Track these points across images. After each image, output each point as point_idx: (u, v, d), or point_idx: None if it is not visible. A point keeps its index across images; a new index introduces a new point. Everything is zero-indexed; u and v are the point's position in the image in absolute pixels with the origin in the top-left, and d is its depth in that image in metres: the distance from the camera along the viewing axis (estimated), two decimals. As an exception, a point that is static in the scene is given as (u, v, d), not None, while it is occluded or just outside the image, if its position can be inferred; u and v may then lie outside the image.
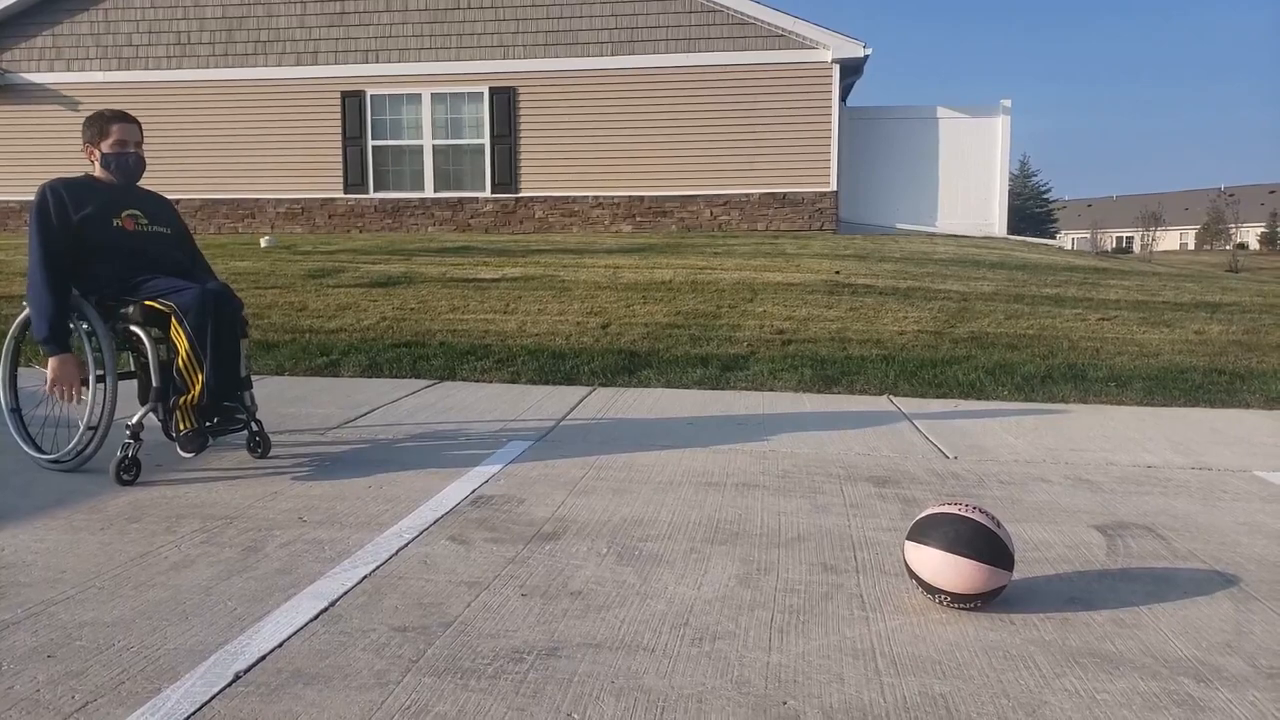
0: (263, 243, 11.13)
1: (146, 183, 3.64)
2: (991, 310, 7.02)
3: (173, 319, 3.27)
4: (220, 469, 3.41)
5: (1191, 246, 68.54)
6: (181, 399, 3.27)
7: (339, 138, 14.01)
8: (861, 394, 5.10)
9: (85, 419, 3.28)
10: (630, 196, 13.52)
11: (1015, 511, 2.98)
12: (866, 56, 12.87)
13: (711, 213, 13.44)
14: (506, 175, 13.75)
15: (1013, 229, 15.89)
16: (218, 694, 1.77)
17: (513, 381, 5.30)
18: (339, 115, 13.96)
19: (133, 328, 3.33)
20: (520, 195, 13.79)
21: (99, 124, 3.46)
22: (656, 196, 13.44)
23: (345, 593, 2.26)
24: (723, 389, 5.22)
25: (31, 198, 3.35)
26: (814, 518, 2.91)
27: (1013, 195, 24.16)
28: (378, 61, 13.80)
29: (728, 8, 12.96)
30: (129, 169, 3.50)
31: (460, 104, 13.79)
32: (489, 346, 5.99)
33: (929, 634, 2.07)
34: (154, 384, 3.29)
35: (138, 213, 3.51)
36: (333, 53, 13.86)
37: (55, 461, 3.37)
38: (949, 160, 14.29)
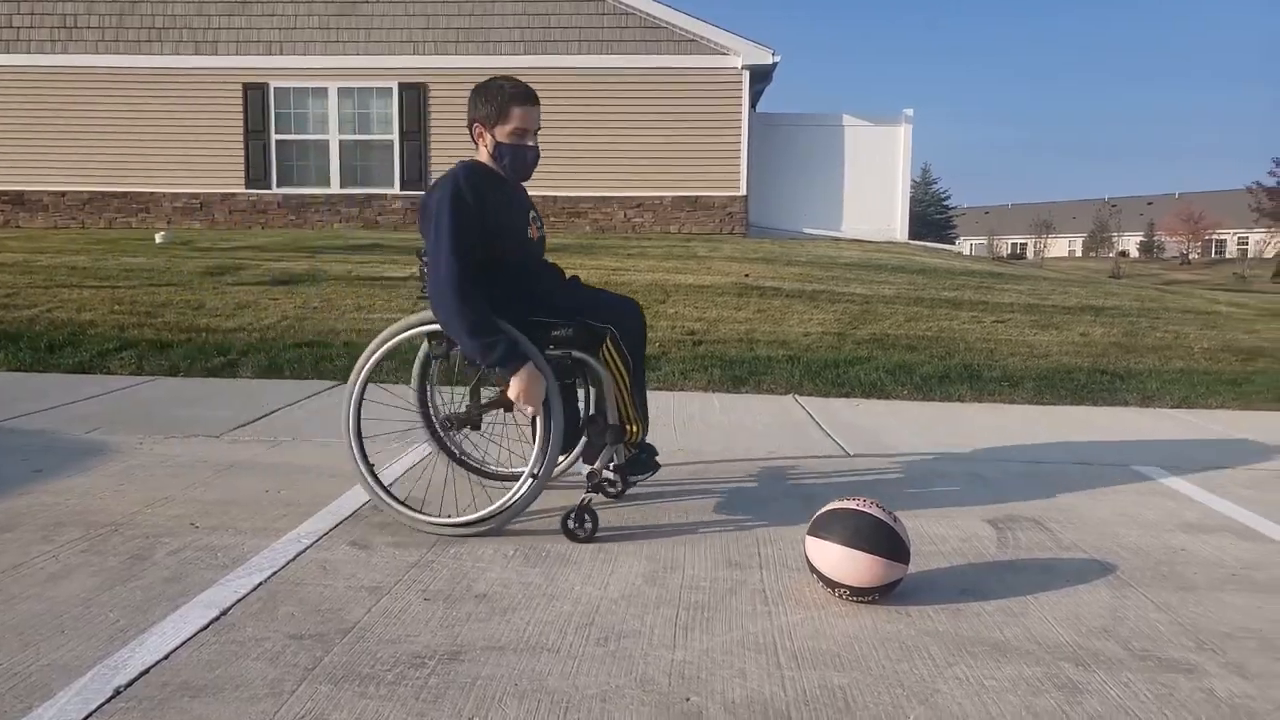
0: (158, 238, 10.65)
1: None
2: (893, 313, 7.23)
3: (607, 341, 2.75)
4: (107, 474, 3.25)
5: (1079, 253, 72.06)
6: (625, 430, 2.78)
7: (241, 131, 13.53)
8: (768, 393, 5.19)
9: (532, 460, 2.68)
10: (545, 196, 13.44)
11: (912, 506, 3.08)
12: (775, 64, 13.11)
13: (625, 215, 13.48)
14: (417, 172, 13.50)
15: (914, 235, 16.43)
16: (95, 710, 1.68)
17: (420, 382, 5.19)
18: (240, 108, 13.47)
19: (576, 354, 2.73)
20: (430, 193, 13.55)
21: (497, 101, 2.71)
22: (570, 197, 13.40)
23: (238, 600, 2.18)
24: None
25: None
26: (719, 515, 2.94)
27: (915, 202, 24.95)
28: (281, 54, 13.38)
29: (640, 11, 13.02)
30: (525, 167, 2.80)
31: (369, 99, 13.49)
32: (396, 346, 5.86)
33: (829, 627, 2.12)
34: (611, 421, 2.73)
35: (536, 215, 2.95)
36: (234, 43, 13.37)
37: (467, 524, 2.68)
38: (854, 167, 14.68)
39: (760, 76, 13.62)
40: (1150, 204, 76.46)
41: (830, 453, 3.85)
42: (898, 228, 14.79)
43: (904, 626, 2.13)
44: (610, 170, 13.37)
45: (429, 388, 3.16)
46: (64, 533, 2.62)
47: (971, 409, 4.87)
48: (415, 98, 13.36)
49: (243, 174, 13.63)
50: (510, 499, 2.67)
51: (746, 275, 8.69)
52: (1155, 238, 65.52)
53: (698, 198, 13.39)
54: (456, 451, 3.20)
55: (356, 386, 2.83)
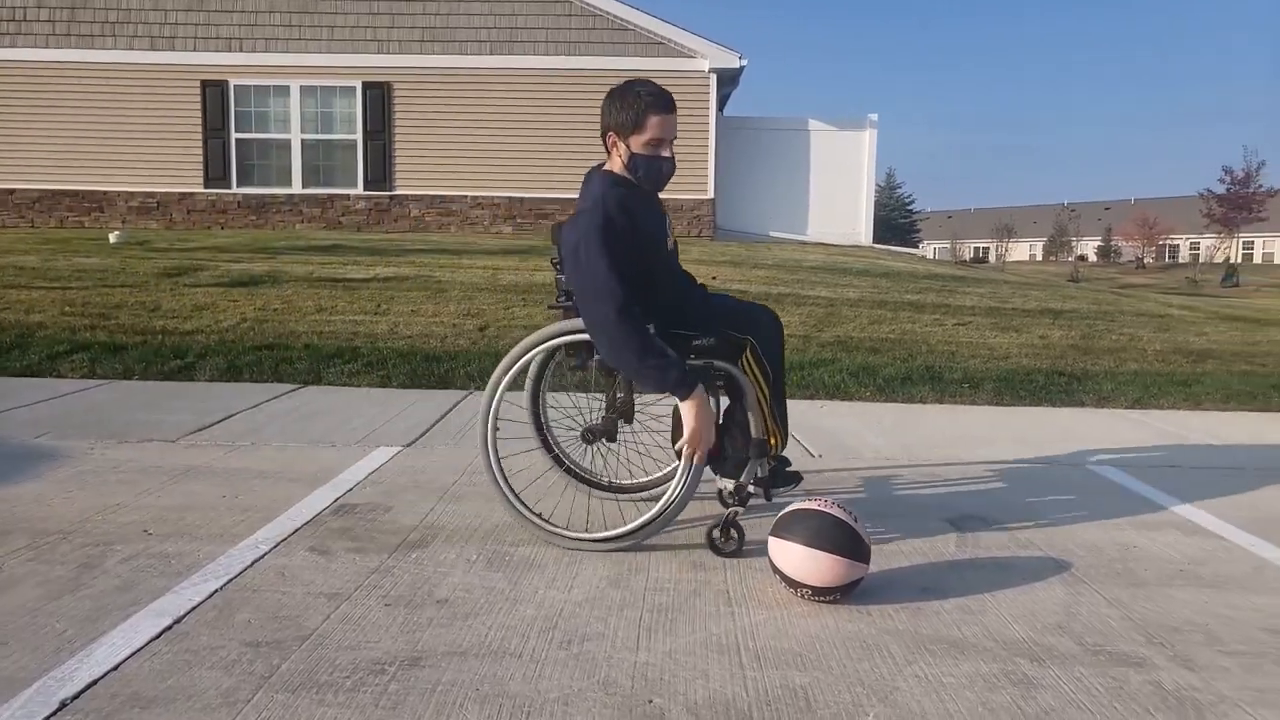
0: (112, 238, 10.44)
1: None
2: (857, 315, 7.30)
3: (746, 352, 2.66)
4: (56, 480, 3.17)
5: (1039, 257, 73.30)
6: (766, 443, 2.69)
7: (199, 129, 13.32)
8: (734, 396, 5.20)
9: (679, 473, 2.58)
10: (511, 198, 13.39)
11: (875, 506, 3.10)
12: (742, 67, 13.19)
13: (590, 216, 13.45)
14: (380, 172, 13.38)
15: (879, 238, 16.60)
16: (44, 722, 1.64)
17: (383, 385, 5.15)
18: (199, 105, 13.27)
19: (718, 365, 2.65)
20: (395, 193, 13.45)
21: (634, 109, 2.58)
22: (538, 199, 13.36)
23: (193, 609, 2.14)
24: (601, 392, 5.22)
25: None
26: (685, 518, 2.94)
27: (879, 206, 25.21)
28: (242, 50, 13.19)
29: (607, 13, 13.02)
30: (660, 179, 2.69)
31: (331, 98, 13.35)
32: (358, 349, 5.80)
33: (791, 627, 2.13)
34: (754, 435, 2.63)
35: (670, 222, 2.89)
36: (192, 39, 13.16)
37: (612, 539, 2.61)
38: (819, 171, 14.80)
39: (727, 80, 13.68)
40: (1108, 209, 78.04)
41: (795, 454, 3.86)
42: (862, 231, 14.94)
43: (865, 625, 2.15)
44: (578, 171, 13.32)
45: (541, 399, 3.10)
46: (9, 541, 2.55)
47: (933, 410, 4.93)
48: (379, 97, 13.24)
49: (201, 173, 13.42)
50: (659, 511, 2.59)
51: (714, 278, 8.73)
52: (1112, 242, 66.84)
53: (666, 200, 13.39)
54: (572, 464, 3.15)
55: (495, 400, 2.73)
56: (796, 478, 2.85)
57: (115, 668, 1.85)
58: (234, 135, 13.35)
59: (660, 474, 3.15)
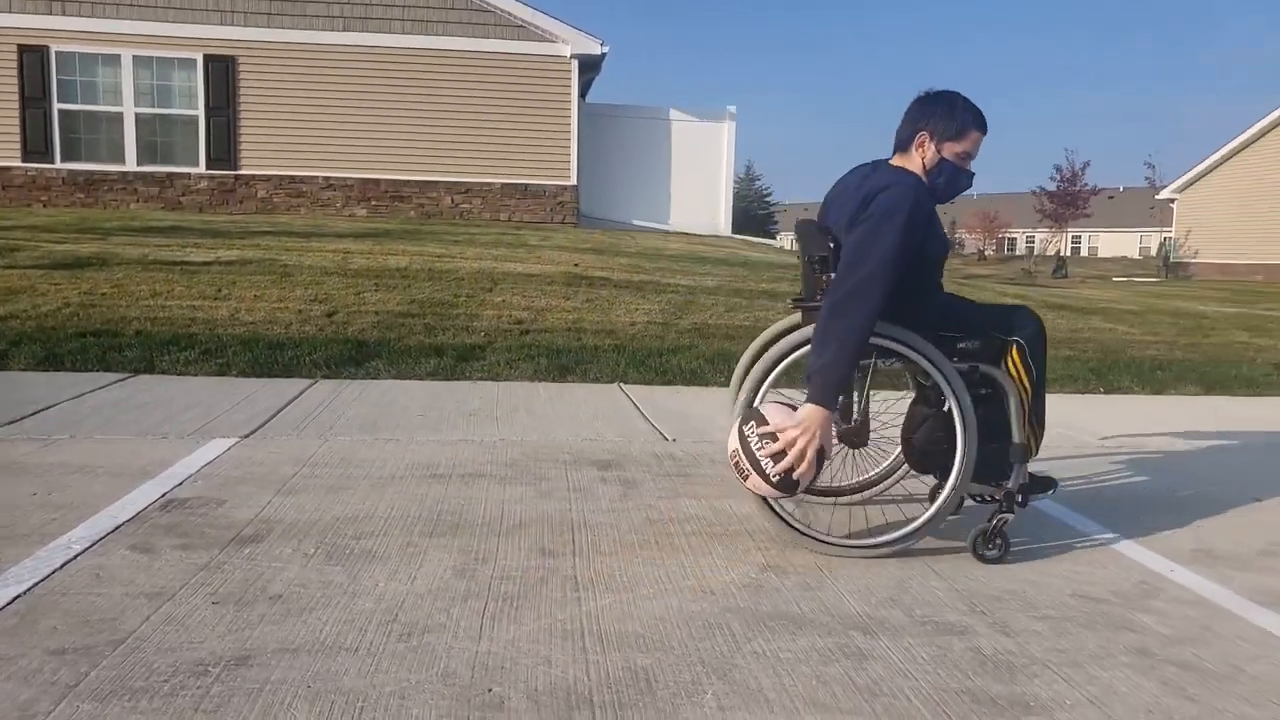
0: (-88, 215, 9.44)
1: None
2: (714, 303, 7.44)
3: (1013, 352, 2.59)
4: None
5: (891, 249, 76.92)
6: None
7: (16, 98, 12.21)
8: (594, 382, 5.22)
9: (952, 478, 2.53)
10: (365, 179, 12.94)
11: (723, 489, 3.17)
12: (604, 54, 13.18)
13: (453, 200, 13.18)
14: (225, 150, 12.66)
15: (738, 229, 16.99)
16: None
17: (222, 374, 4.88)
18: (15, 72, 12.16)
19: (983, 368, 2.59)
20: (241, 173, 12.75)
21: (959, 119, 2.57)
22: (394, 180, 12.96)
23: (-10, 616, 1.96)
24: (457, 379, 5.12)
25: None
26: (537, 504, 2.92)
27: (738, 197, 25.81)
28: (64, 14, 12.17)
29: (466, -7, 12.74)
30: (956, 190, 2.65)
31: (169, 70, 12.50)
32: (195, 336, 5.47)
33: (636, 609, 2.15)
34: (1015, 439, 2.56)
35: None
36: (6, -1, 12.04)
37: (883, 544, 2.56)
38: (680, 161, 14.99)
39: (589, 66, 13.64)
40: (953, 203, 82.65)
41: (650, 438, 3.91)
42: (722, 222, 15.24)
43: (708, 605, 2.19)
44: (437, 154, 13.03)
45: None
46: None
47: (785, 393, 5.08)
48: (223, 71, 12.50)
49: (19, 146, 12.32)
50: (932, 512, 2.55)
51: (576, 265, 8.70)
52: (957, 235, 70.89)
53: (528, 185, 13.28)
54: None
55: (760, 397, 2.64)
56: (1051, 483, 2.74)
57: (-109, 686, 1.67)
58: (57, 106, 12.31)
59: (871, 474, 3.11)
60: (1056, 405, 5.01)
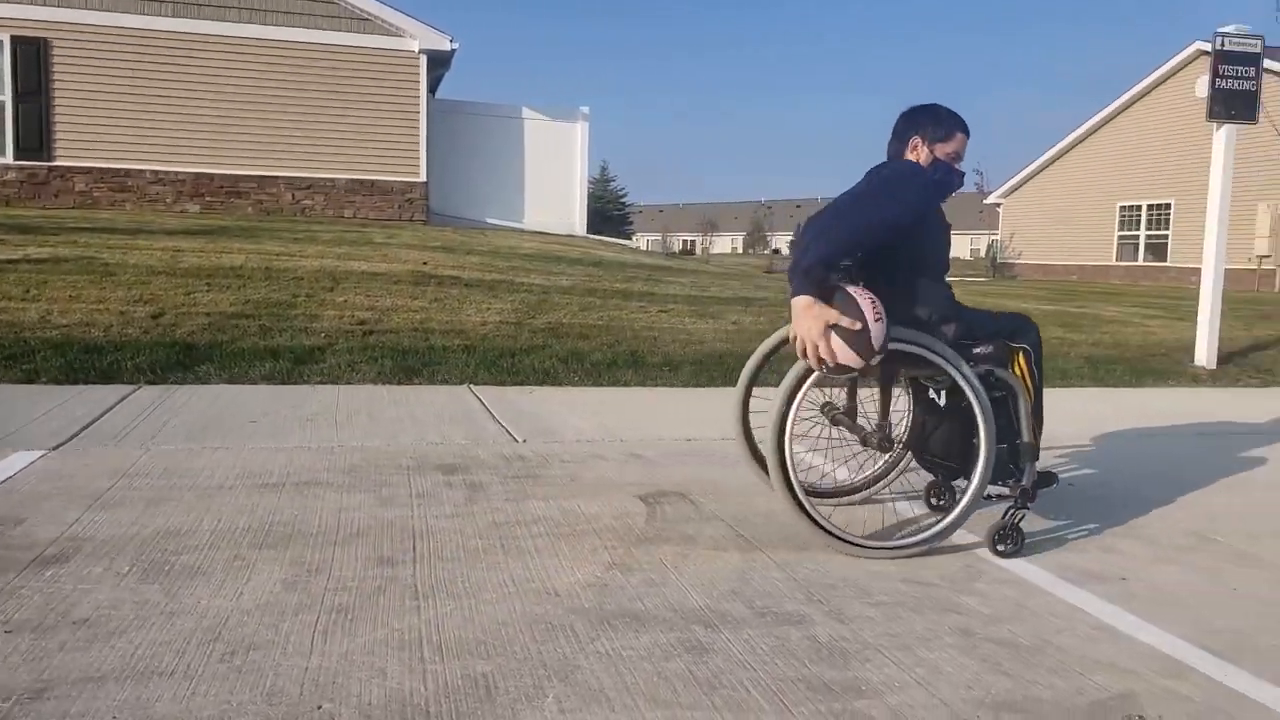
0: None
1: None
2: (568, 303, 7.43)
3: (1020, 357, 2.77)
4: None
5: (740, 250, 79.10)
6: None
7: None
8: (442, 384, 5.09)
9: (977, 478, 2.64)
10: (199, 174, 12.17)
11: (572, 489, 3.15)
12: (454, 50, 12.92)
13: (294, 196, 12.59)
14: (36, 139, 11.62)
15: (593, 229, 17.05)
16: None
17: (29, 381, 4.47)
18: None
19: (998, 372, 2.71)
20: (55, 164, 11.74)
21: (946, 124, 2.80)
22: (230, 175, 12.25)
23: None
24: (295, 383, 4.89)
25: None
26: (377, 511, 2.82)
27: (593, 198, 25.94)
28: None
29: (308, -19, 12.19)
30: (950, 188, 2.82)
31: (-32, 49, 11.35)
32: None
33: (478, 615, 2.10)
34: (1024, 438, 2.71)
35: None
36: None
37: (908, 547, 2.64)
38: (534, 160, 14.88)
39: (439, 62, 13.34)
40: (799, 207, 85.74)
41: (498, 440, 3.85)
42: (577, 222, 15.24)
43: (552, 607, 2.17)
44: (276, 148, 12.40)
45: (750, 402, 3.05)
46: None
47: (637, 393, 5.12)
48: (34, 53, 11.47)
49: None
50: (959, 511, 2.66)
51: (425, 264, 8.48)
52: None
53: (374, 181, 12.84)
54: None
55: (797, 402, 2.68)
56: (1053, 478, 2.92)
57: None
58: None
59: (865, 476, 3.19)
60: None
